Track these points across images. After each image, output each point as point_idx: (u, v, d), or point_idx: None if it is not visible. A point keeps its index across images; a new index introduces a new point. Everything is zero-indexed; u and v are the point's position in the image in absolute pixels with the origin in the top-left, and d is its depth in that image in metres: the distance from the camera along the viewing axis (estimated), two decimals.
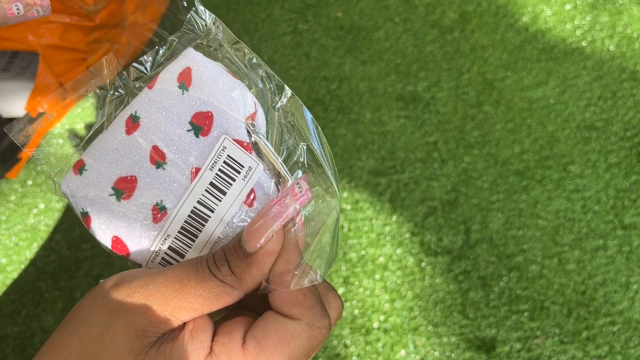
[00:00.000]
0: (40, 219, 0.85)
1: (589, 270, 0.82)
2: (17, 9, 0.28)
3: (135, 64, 0.29)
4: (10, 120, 0.90)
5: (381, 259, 0.83)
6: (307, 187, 0.26)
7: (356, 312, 0.79)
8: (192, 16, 0.29)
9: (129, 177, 0.29)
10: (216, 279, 0.25)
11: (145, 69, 0.29)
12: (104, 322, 0.24)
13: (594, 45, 1.01)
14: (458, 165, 0.90)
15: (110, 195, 0.29)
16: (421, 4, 1.07)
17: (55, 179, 0.31)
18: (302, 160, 0.28)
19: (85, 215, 0.30)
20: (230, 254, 0.25)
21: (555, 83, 0.97)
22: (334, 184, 0.28)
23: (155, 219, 0.28)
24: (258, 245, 0.25)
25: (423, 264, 0.82)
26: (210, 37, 0.29)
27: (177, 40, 0.29)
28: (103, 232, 0.29)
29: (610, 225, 0.85)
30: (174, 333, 0.25)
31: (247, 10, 1.06)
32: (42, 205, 0.86)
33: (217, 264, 0.25)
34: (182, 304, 0.24)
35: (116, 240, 0.29)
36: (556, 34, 1.03)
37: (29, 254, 0.83)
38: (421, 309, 0.79)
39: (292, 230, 0.26)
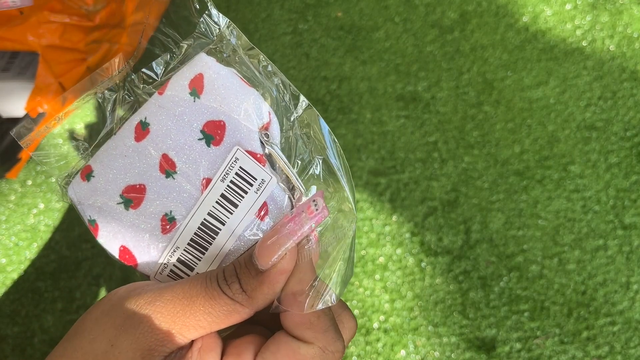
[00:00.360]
0: (40, 219, 0.85)
1: (589, 270, 0.82)
2: None
3: (145, 70, 0.28)
4: (11, 120, 0.90)
5: (381, 259, 0.82)
6: (324, 204, 0.25)
7: (356, 312, 0.79)
8: (205, 20, 0.28)
9: (138, 186, 0.28)
10: (226, 296, 0.24)
11: (156, 74, 0.28)
12: (109, 339, 0.24)
13: (594, 45, 1.01)
14: (458, 165, 0.90)
15: (118, 203, 0.28)
16: (421, 3, 1.07)
17: (62, 184, 0.30)
18: (317, 173, 0.27)
19: (93, 223, 0.29)
20: (242, 270, 0.25)
21: (555, 83, 0.97)
22: (352, 200, 0.27)
23: (164, 230, 0.27)
24: (270, 263, 0.24)
25: (423, 264, 0.82)
26: (224, 42, 0.28)
27: (187, 45, 0.28)
28: (110, 241, 0.29)
29: (611, 225, 0.85)
30: (181, 352, 0.24)
31: (247, 10, 1.06)
32: (41, 205, 0.86)
33: (228, 281, 0.24)
34: (190, 322, 0.24)
35: (124, 250, 0.28)
36: (556, 33, 1.03)
37: (29, 254, 0.83)
38: (421, 309, 0.79)
39: (306, 247, 0.25)
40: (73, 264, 0.82)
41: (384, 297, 0.80)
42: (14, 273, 0.81)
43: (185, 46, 0.28)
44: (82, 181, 0.29)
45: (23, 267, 0.82)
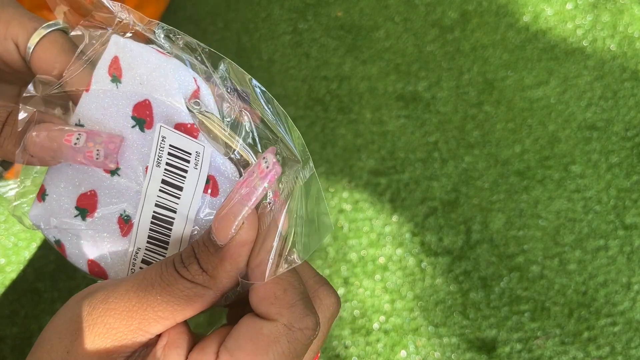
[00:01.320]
0: None
1: (590, 270, 0.82)
2: (77, 139, 0.25)
3: (39, 76, 0.26)
4: None
5: (381, 260, 0.82)
6: (275, 160, 0.22)
7: (356, 312, 0.79)
8: (97, 13, 0.26)
9: (89, 193, 0.26)
10: (184, 280, 0.22)
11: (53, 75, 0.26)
12: (65, 347, 0.22)
13: (595, 44, 1.01)
14: (458, 165, 0.90)
15: (75, 216, 0.26)
16: (421, 3, 1.06)
17: (15, 213, 0.28)
18: (249, 130, 0.25)
19: (59, 243, 0.27)
20: (200, 249, 0.22)
21: (556, 83, 0.97)
22: (293, 146, 0.24)
23: (123, 232, 0.25)
24: (229, 236, 0.21)
25: (423, 265, 0.82)
26: (121, 25, 0.26)
27: (84, 33, 0.26)
28: (78, 257, 0.27)
29: (612, 225, 0.85)
30: (145, 350, 0.22)
31: (247, 9, 1.06)
32: None
33: (185, 263, 0.22)
34: (148, 315, 0.21)
35: (92, 263, 0.27)
36: (557, 33, 1.03)
37: (28, 254, 0.83)
38: (421, 309, 0.79)
39: (268, 211, 0.23)
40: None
41: (384, 297, 0.80)
42: (13, 273, 0.81)
43: (87, 34, 0.26)
44: (39, 203, 0.28)
45: (22, 267, 0.82)
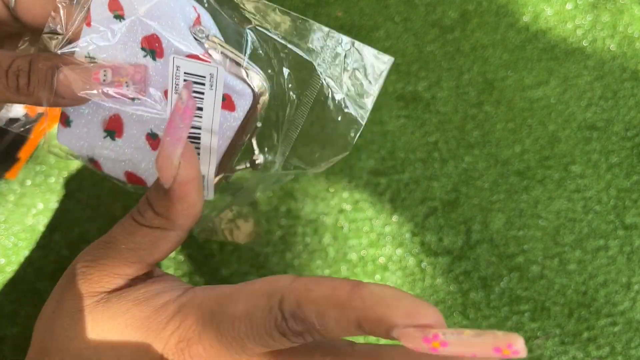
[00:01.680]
0: (39, 219, 0.85)
1: (590, 270, 0.82)
2: (104, 75, 0.26)
3: (45, 34, 0.27)
4: (10, 120, 0.90)
5: (381, 260, 0.82)
6: (189, 95, 0.22)
7: None
8: None
9: (113, 117, 0.28)
10: (143, 226, 0.23)
11: (55, 30, 0.27)
12: (56, 300, 0.24)
13: (595, 44, 1.01)
14: (458, 165, 0.90)
15: (104, 137, 0.29)
16: (421, 3, 1.06)
17: (47, 147, 0.30)
18: (253, 45, 0.27)
19: (92, 160, 0.30)
20: (151, 195, 0.23)
21: (556, 83, 0.97)
22: (296, 49, 0.26)
23: (154, 147, 0.28)
24: (171, 178, 0.22)
25: (423, 265, 0.82)
26: None
27: None
28: (114, 170, 0.30)
29: (612, 225, 0.85)
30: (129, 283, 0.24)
31: None
32: (40, 206, 0.86)
33: (141, 211, 0.24)
34: (119, 262, 0.23)
35: (129, 175, 0.29)
36: (557, 33, 1.03)
37: (28, 254, 0.83)
38: None
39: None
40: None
41: None
42: (13, 274, 0.81)
43: None
44: (63, 128, 0.30)
45: (22, 267, 0.82)
